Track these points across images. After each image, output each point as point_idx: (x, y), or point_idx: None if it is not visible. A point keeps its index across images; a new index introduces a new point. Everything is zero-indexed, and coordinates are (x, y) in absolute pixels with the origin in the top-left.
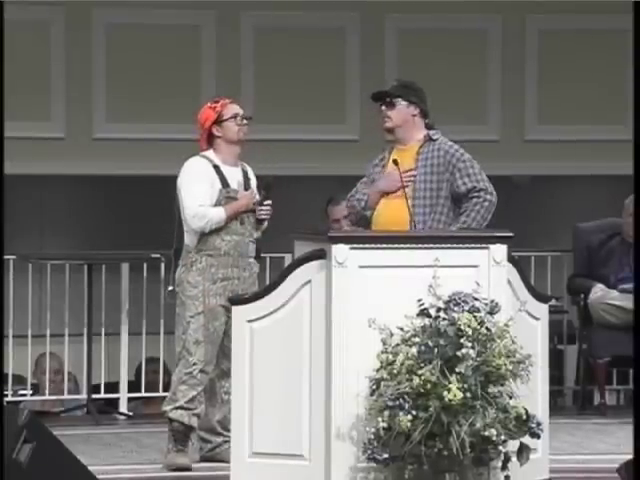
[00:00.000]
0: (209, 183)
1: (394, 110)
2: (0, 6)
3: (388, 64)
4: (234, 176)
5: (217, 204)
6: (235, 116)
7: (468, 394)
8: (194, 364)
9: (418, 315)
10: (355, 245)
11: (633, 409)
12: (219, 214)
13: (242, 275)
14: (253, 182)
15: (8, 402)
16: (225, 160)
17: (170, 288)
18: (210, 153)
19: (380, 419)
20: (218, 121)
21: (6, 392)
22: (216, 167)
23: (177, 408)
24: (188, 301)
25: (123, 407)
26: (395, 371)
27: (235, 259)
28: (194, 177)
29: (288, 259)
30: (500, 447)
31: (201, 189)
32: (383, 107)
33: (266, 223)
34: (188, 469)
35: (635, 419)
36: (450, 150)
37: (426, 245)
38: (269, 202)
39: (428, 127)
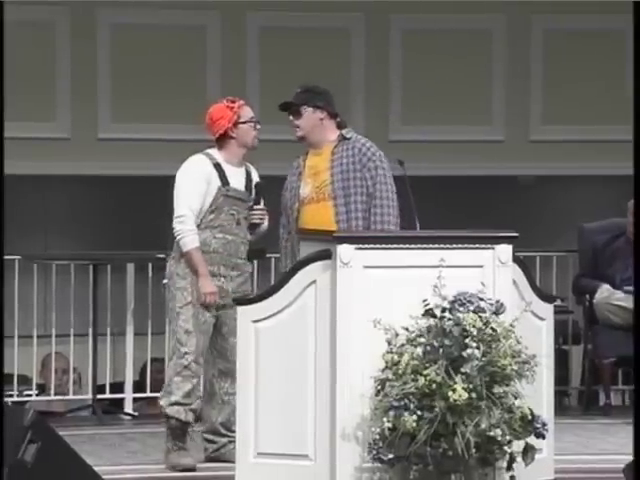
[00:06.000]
0: (205, 182)
1: (301, 118)
2: (0, 6)
3: (393, 64)
4: (236, 176)
5: (214, 201)
6: (252, 120)
7: (473, 394)
8: (186, 353)
9: (423, 315)
10: (360, 245)
11: (633, 409)
12: (191, 243)
13: (230, 274)
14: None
15: (13, 402)
16: (229, 160)
17: (165, 281)
18: (214, 151)
19: (385, 419)
20: (235, 122)
21: (11, 392)
22: (217, 165)
23: (173, 404)
24: (177, 293)
25: (128, 407)
26: (400, 371)
27: (223, 257)
28: (190, 177)
29: None
30: (505, 447)
31: (195, 191)
32: (291, 117)
33: (264, 226)
34: (193, 469)
35: (635, 419)
36: (362, 149)
37: (431, 245)
38: (260, 207)
39: (340, 127)
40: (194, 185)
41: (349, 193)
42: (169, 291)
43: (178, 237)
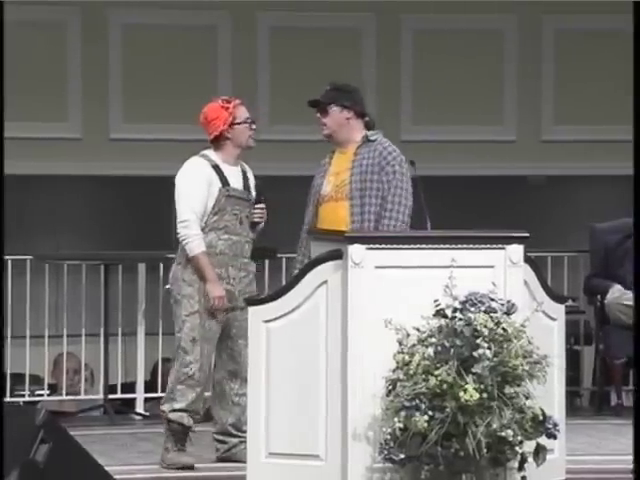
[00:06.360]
0: (206, 185)
1: (328, 117)
2: (0, 6)
3: (404, 64)
4: (234, 175)
5: (217, 203)
6: (247, 120)
7: (484, 394)
8: (190, 362)
9: (434, 315)
10: (371, 245)
11: (634, 410)
12: (197, 247)
13: (238, 275)
14: (252, 182)
15: (25, 402)
16: (226, 160)
17: (167, 286)
18: (210, 152)
19: (396, 419)
20: (231, 123)
21: (23, 392)
22: (216, 167)
23: (177, 410)
24: (184, 300)
25: (139, 407)
26: (411, 371)
27: (230, 258)
28: (191, 180)
29: None
30: (516, 448)
31: (197, 194)
32: (318, 115)
33: (262, 225)
34: (191, 468)
35: (635, 420)
36: (383, 152)
37: (442, 245)
38: (261, 206)
39: (368, 126)
40: (195, 188)
41: (365, 195)
42: (173, 297)
43: (184, 242)
